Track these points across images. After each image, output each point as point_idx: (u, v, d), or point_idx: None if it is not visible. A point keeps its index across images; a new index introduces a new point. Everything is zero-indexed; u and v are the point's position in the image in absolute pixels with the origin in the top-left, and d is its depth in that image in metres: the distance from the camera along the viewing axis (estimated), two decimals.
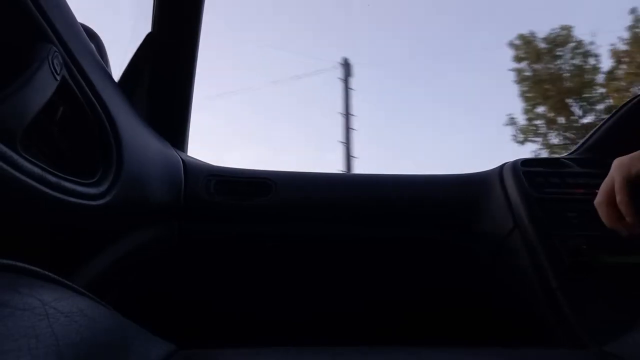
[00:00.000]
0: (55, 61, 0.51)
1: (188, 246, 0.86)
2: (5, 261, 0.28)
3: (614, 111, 0.97)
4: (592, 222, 0.64)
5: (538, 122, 10.56)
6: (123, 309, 0.37)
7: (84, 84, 0.58)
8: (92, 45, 0.64)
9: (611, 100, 9.94)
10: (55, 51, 0.52)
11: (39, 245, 0.50)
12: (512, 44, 10.32)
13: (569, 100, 10.29)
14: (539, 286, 0.73)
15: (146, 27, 0.90)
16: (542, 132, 10.59)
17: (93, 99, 0.59)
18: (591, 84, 10.23)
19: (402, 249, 0.92)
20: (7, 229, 0.45)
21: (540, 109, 10.52)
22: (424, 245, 0.91)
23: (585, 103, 10.31)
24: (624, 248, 0.69)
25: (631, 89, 9.31)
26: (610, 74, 9.82)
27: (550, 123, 10.50)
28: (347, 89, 8.50)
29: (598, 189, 0.62)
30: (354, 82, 8.60)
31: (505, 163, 0.93)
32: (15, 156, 0.43)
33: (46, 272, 0.30)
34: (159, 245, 0.80)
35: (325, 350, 0.38)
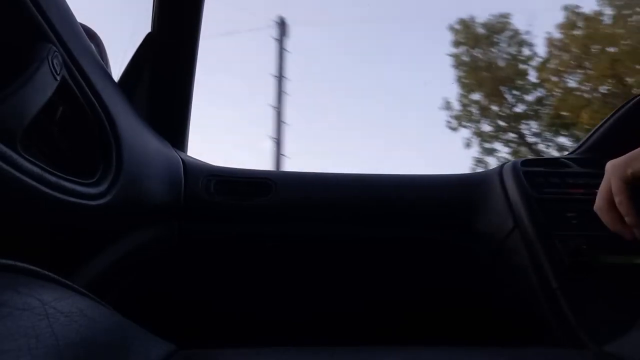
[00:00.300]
0: (55, 61, 0.51)
1: (188, 246, 0.86)
2: (5, 261, 0.28)
3: (614, 111, 0.97)
4: (592, 222, 0.64)
5: (472, 108, 10.45)
6: (123, 309, 0.37)
7: (83, 84, 0.58)
8: (92, 45, 0.64)
9: (544, 90, 9.93)
10: (55, 51, 0.52)
11: (38, 245, 0.50)
12: (452, 28, 10.18)
13: (503, 89, 10.24)
14: (539, 286, 0.73)
15: (146, 27, 0.90)
16: (475, 118, 10.49)
17: (93, 99, 0.59)
18: (524, 73, 10.19)
19: (402, 249, 0.92)
20: (7, 229, 0.45)
21: (475, 96, 10.42)
22: (424, 245, 0.91)
23: (518, 92, 10.27)
24: (624, 248, 0.69)
25: (564, 78, 9.31)
26: (545, 63, 9.78)
27: (484, 110, 10.41)
28: (281, 50, 7.76)
29: (598, 189, 0.62)
30: (289, 44, 7.91)
31: (505, 163, 0.93)
32: (15, 156, 0.43)
33: (46, 272, 0.30)
34: (159, 245, 0.80)
35: (325, 350, 0.38)
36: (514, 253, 0.80)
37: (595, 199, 0.63)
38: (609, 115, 0.97)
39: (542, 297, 0.71)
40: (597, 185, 0.63)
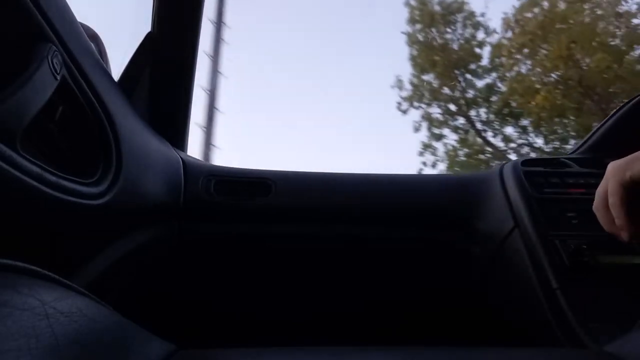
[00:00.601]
0: (55, 61, 0.51)
1: (188, 246, 0.86)
2: (5, 261, 0.28)
3: (614, 111, 0.97)
4: (592, 222, 0.64)
5: (423, 90, 10.25)
6: (123, 309, 0.37)
7: (83, 83, 0.58)
8: (92, 45, 0.64)
9: (497, 73, 9.79)
10: (55, 51, 0.52)
11: (38, 245, 0.50)
12: (407, 4, 9.97)
13: (456, 72, 10.07)
14: (539, 286, 0.73)
15: (146, 27, 0.90)
16: (426, 101, 10.28)
17: (93, 98, 0.59)
18: (478, 57, 10.03)
19: (403, 249, 0.92)
20: (7, 229, 0.45)
21: (427, 77, 10.22)
22: (424, 245, 0.91)
23: (470, 76, 10.12)
24: (624, 248, 0.69)
25: (519, 59, 9.22)
26: (501, 43, 9.61)
27: (435, 93, 10.22)
28: None
29: (596, 191, 0.62)
30: None
31: (506, 163, 0.93)
32: (15, 156, 0.43)
33: (46, 272, 0.30)
34: (159, 245, 0.80)
35: (325, 350, 0.38)
36: (514, 253, 0.80)
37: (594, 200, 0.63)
38: (609, 115, 0.98)
39: (542, 297, 0.71)
40: (597, 185, 0.62)
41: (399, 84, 10.38)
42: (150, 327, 0.36)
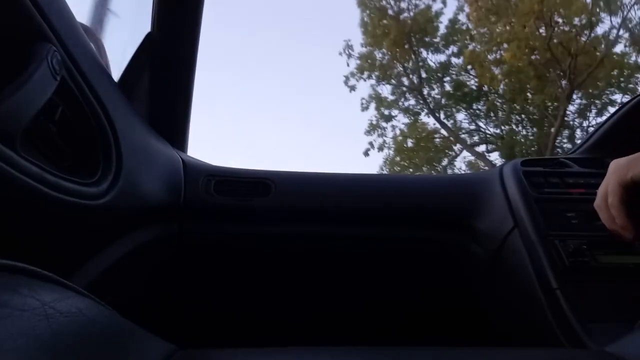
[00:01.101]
0: (54, 61, 0.51)
1: (188, 246, 0.86)
2: (5, 261, 0.28)
3: (614, 110, 0.97)
4: (593, 222, 0.64)
5: (374, 61, 9.86)
6: (123, 309, 0.37)
7: (83, 84, 0.58)
8: (92, 45, 0.64)
9: (452, 48, 9.58)
10: (55, 51, 0.52)
11: (38, 245, 0.50)
12: None
13: (409, 44, 9.72)
14: (539, 286, 0.73)
15: (146, 27, 0.90)
16: (377, 74, 9.83)
17: (92, 98, 0.59)
18: (433, 30, 9.76)
19: (402, 249, 0.92)
20: (7, 229, 0.45)
21: (380, 48, 9.79)
22: (424, 245, 0.91)
23: (425, 50, 9.83)
24: (624, 248, 0.69)
25: (479, 30, 9.07)
26: (455, 22, 9.38)
27: (386, 67, 9.82)
28: None
29: (598, 189, 0.62)
30: None
31: (505, 163, 0.93)
32: (15, 156, 0.43)
33: (46, 272, 0.30)
34: (159, 245, 0.80)
35: (325, 350, 0.38)
36: (513, 253, 0.80)
37: (595, 198, 0.63)
38: (610, 115, 0.98)
39: (542, 297, 0.71)
40: (598, 185, 0.63)
41: (348, 49, 9.81)
42: (150, 327, 0.36)
